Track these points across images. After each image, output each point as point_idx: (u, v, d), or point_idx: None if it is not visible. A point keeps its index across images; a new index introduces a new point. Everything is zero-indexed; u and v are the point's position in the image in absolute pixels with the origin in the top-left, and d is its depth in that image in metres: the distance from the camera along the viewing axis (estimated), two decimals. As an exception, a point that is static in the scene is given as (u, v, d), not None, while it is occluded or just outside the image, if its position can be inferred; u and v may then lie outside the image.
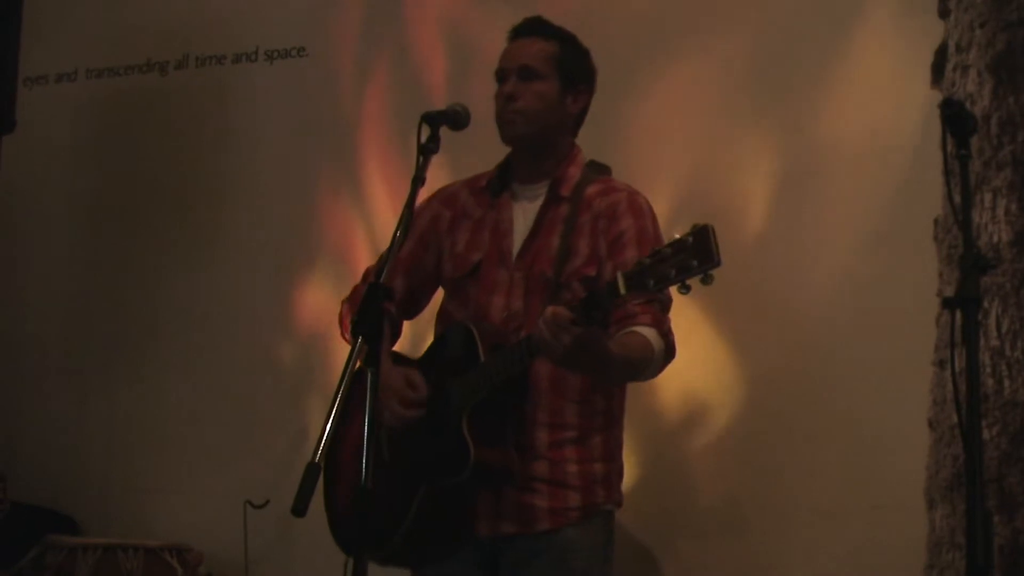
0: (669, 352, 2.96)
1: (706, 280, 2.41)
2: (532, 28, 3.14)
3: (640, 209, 3.01)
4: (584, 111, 3.18)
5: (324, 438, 2.39)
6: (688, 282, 2.44)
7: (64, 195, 5.24)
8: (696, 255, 2.41)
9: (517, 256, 3.04)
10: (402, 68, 4.75)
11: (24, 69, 4.61)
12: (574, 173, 3.07)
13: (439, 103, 2.99)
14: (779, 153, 4.14)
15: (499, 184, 3.14)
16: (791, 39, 4.16)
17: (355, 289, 3.26)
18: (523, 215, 3.09)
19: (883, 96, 3.99)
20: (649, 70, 4.31)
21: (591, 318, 2.60)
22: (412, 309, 3.27)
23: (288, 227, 4.83)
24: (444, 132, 2.88)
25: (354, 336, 2.53)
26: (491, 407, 2.87)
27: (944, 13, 3.55)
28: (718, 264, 2.40)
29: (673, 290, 2.50)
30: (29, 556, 4.30)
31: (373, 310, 2.53)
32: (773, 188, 4.13)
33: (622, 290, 2.52)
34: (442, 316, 3.17)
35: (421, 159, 2.80)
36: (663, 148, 4.17)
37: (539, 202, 3.08)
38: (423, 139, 2.83)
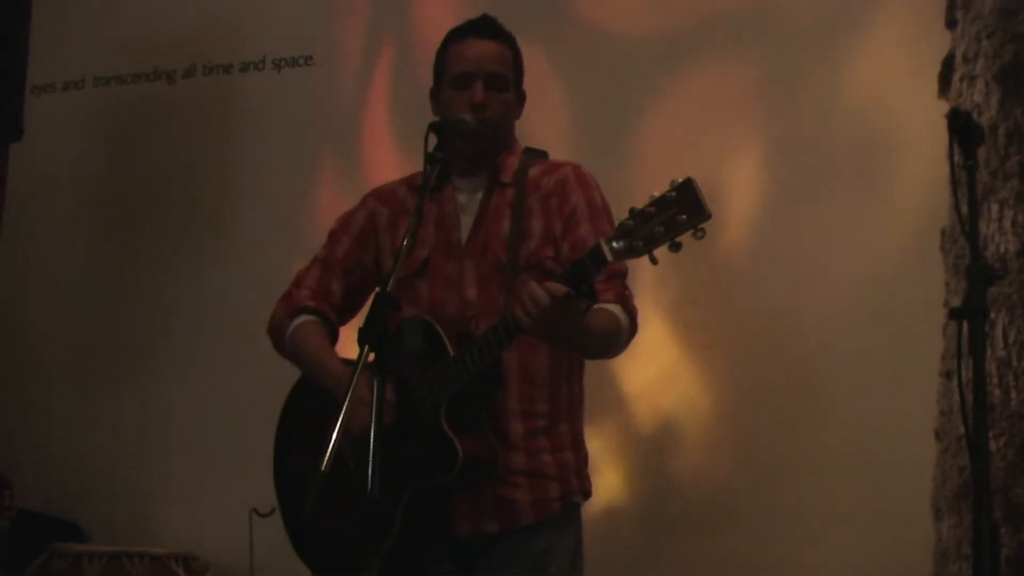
0: (633, 327, 2.89)
1: (697, 234, 2.37)
2: (489, 30, 3.05)
3: (587, 182, 2.96)
4: None
5: (331, 447, 2.39)
6: (678, 239, 2.38)
7: (71, 203, 5.24)
8: (684, 209, 2.36)
9: (466, 245, 2.98)
10: (408, 77, 4.75)
11: (32, 77, 4.61)
12: (512, 162, 3.01)
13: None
14: (785, 164, 4.14)
15: (439, 178, 3.01)
16: (798, 50, 4.17)
17: (290, 297, 3.13)
18: (467, 207, 3.02)
19: (890, 106, 3.99)
20: (654, 84, 4.33)
21: (578, 290, 2.55)
22: (349, 312, 3.15)
23: (294, 235, 4.82)
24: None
25: (360, 345, 2.52)
26: (463, 399, 2.81)
27: (951, 24, 3.56)
28: (709, 216, 2.35)
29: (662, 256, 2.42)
30: (35, 563, 4.30)
31: (380, 319, 2.52)
32: (780, 199, 4.14)
33: (609, 256, 2.48)
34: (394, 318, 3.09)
35: (428, 168, 2.79)
36: (668, 159, 4.18)
37: (481, 193, 3.01)
38: (430, 148, 2.82)
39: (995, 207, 3.28)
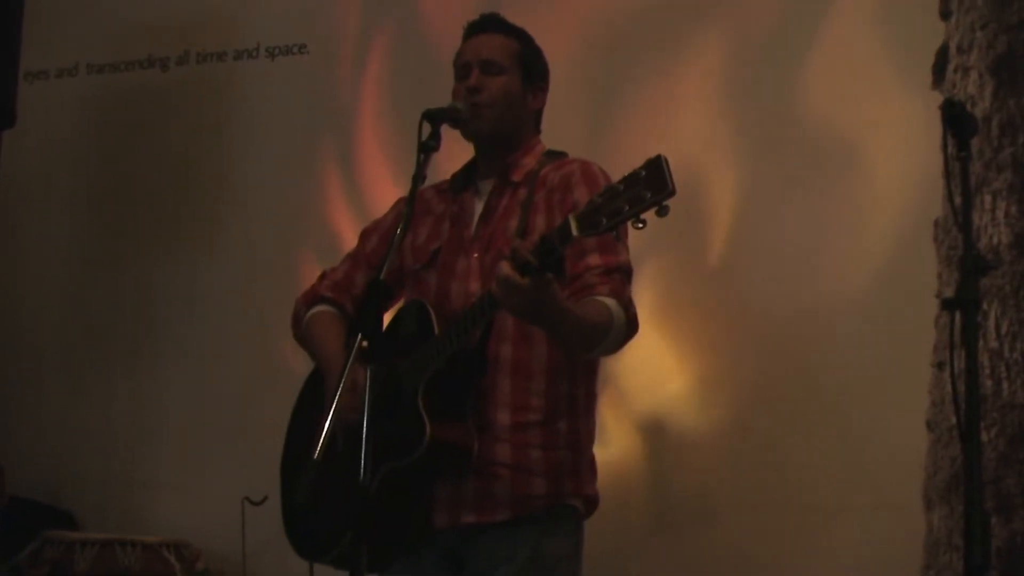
0: (631, 325, 2.86)
1: (661, 212, 2.37)
2: (491, 24, 3.11)
3: (593, 177, 2.96)
4: (542, 109, 3.15)
5: (324, 435, 2.39)
6: (644, 216, 2.39)
7: (64, 190, 5.24)
8: (649, 186, 2.37)
9: (472, 240, 3.00)
10: (402, 65, 4.75)
11: (25, 64, 4.60)
12: (528, 161, 3.04)
13: (440, 100, 2.98)
14: (779, 154, 4.14)
15: (463, 181, 3.10)
16: (791, 39, 4.17)
17: (311, 288, 3.20)
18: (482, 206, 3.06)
19: (884, 97, 3.99)
20: (639, 71, 4.34)
21: (545, 264, 2.54)
22: None
23: (288, 223, 4.83)
24: (445, 130, 2.88)
25: (352, 333, 2.53)
26: (448, 383, 2.80)
27: (945, 14, 3.56)
28: (672, 193, 2.35)
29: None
30: (27, 550, 4.30)
31: (373, 307, 2.53)
32: (772, 190, 4.14)
33: (575, 231, 2.47)
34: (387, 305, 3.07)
35: (422, 156, 2.79)
36: (657, 147, 4.17)
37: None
38: (424, 136, 2.82)
39: (988, 198, 3.28)
